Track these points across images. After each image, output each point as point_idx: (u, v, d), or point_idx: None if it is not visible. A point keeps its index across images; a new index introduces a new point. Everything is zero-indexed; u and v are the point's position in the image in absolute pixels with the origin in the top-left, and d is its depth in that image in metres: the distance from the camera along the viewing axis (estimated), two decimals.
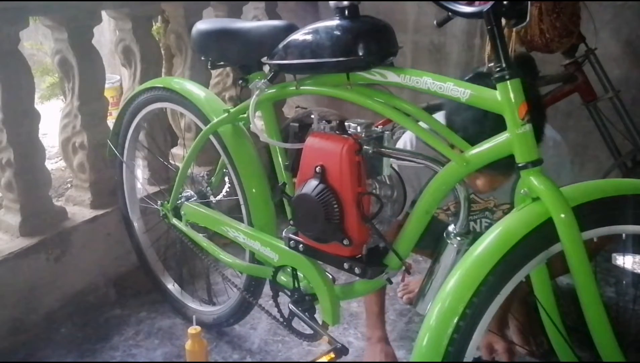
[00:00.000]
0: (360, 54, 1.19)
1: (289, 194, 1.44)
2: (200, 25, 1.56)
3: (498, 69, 1.03)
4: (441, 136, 1.21)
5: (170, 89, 1.75)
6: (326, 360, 1.37)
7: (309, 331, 1.48)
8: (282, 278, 1.52)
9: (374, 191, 1.29)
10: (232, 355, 1.79)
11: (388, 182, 1.31)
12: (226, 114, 1.59)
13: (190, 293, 1.98)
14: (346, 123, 1.28)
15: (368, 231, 1.27)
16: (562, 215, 0.96)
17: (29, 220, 1.90)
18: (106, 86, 2.17)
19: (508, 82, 1.02)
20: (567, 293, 1.70)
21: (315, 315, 1.48)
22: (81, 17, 1.97)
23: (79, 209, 2.10)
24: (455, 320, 0.93)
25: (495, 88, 1.05)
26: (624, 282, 2.11)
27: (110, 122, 2.10)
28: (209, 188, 1.80)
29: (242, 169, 1.61)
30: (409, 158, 1.27)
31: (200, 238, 1.74)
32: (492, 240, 0.99)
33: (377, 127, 1.30)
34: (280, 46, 1.32)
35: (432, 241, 1.29)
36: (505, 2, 0.99)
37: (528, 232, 0.98)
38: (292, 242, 1.40)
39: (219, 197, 1.79)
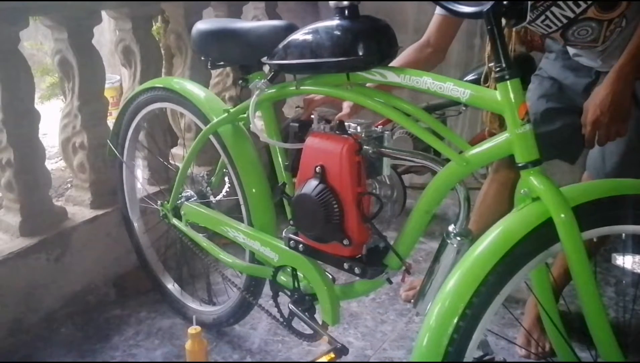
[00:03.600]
0: (360, 54, 1.18)
1: (289, 194, 1.44)
2: (200, 25, 1.56)
3: (498, 69, 1.03)
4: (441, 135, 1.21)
5: (170, 89, 1.75)
6: (326, 360, 1.37)
7: (309, 331, 1.48)
8: (282, 278, 1.52)
9: (374, 191, 1.29)
10: (232, 355, 1.79)
11: (388, 182, 1.31)
12: (226, 114, 1.59)
13: (190, 293, 1.98)
14: (346, 123, 1.28)
15: (368, 231, 1.27)
16: (562, 215, 0.96)
17: (29, 220, 1.90)
18: (106, 86, 2.16)
19: (508, 82, 1.02)
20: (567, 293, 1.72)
21: (315, 315, 1.48)
22: (81, 17, 1.97)
23: (79, 209, 2.10)
24: (455, 320, 0.93)
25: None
26: (624, 282, 2.11)
27: (110, 122, 2.10)
28: (209, 188, 1.80)
29: (242, 169, 1.61)
30: (409, 157, 1.27)
31: (200, 238, 1.74)
32: (492, 240, 0.99)
33: (377, 127, 1.30)
34: (280, 46, 1.32)
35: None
36: (505, 2, 0.99)
37: (528, 232, 0.97)
38: (292, 242, 1.40)
39: (219, 197, 1.79)
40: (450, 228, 1.21)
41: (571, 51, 1.62)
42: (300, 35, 1.28)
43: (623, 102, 1.39)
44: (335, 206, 1.24)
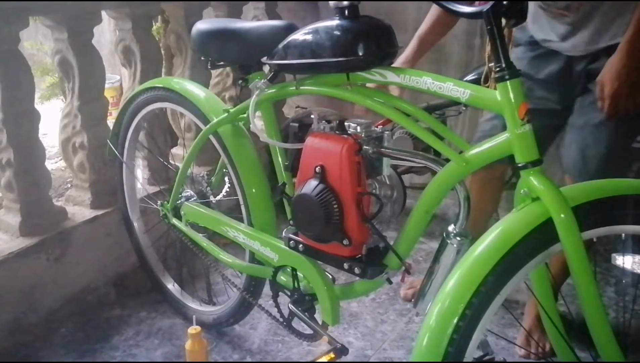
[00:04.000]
0: (360, 54, 1.19)
1: (289, 194, 1.44)
2: (200, 25, 1.56)
3: (498, 69, 1.03)
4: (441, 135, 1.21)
5: (170, 89, 1.75)
6: (326, 360, 1.37)
7: (309, 331, 1.48)
8: (282, 278, 1.52)
9: (374, 191, 1.29)
10: (232, 355, 1.79)
11: (388, 182, 1.31)
12: (226, 114, 1.59)
13: (190, 293, 1.98)
14: (346, 123, 1.28)
15: (368, 231, 1.27)
16: (562, 215, 0.95)
17: (29, 220, 1.90)
18: (106, 86, 2.17)
19: (508, 82, 1.02)
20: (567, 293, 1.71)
21: (315, 315, 1.48)
22: (81, 17, 1.97)
23: (79, 209, 2.10)
24: (455, 320, 0.93)
25: None
26: (623, 282, 2.11)
27: (110, 122, 2.10)
28: (209, 188, 1.80)
29: (242, 169, 1.61)
30: (409, 158, 1.27)
31: (200, 238, 1.74)
32: (492, 240, 0.98)
33: (377, 127, 1.30)
34: (280, 46, 1.32)
35: None
36: (505, 2, 0.99)
37: (528, 232, 0.97)
38: (292, 242, 1.40)
39: (219, 197, 1.79)
40: (450, 228, 1.21)
41: (539, 35, 1.60)
42: (300, 35, 1.28)
43: (638, 72, 1.39)
44: (335, 206, 1.24)
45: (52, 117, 3.03)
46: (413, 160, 1.26)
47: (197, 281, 2.08)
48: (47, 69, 3.71)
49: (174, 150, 2.56)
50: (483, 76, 1.73)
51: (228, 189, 1.78)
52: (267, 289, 1.62)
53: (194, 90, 1.72)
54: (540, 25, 1.58)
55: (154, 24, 2.86)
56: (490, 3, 1.00)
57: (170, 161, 2.39)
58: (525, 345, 1.76)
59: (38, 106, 1.96)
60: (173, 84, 1.77)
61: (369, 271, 1.28)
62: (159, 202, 1.88)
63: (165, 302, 2.02)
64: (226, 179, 1.77)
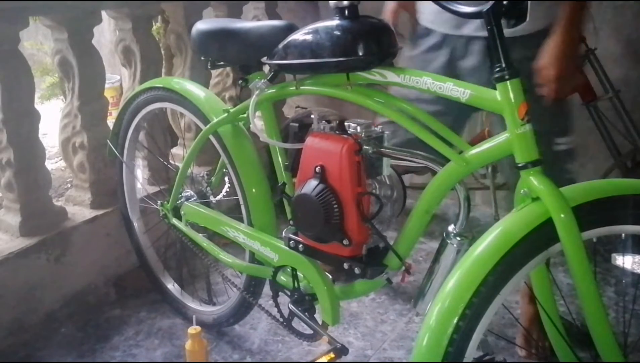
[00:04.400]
0: (360, 54, 1.19)
1: (289, 194, 1.44)
2: (200, 25, 1.56)
3: (498, 69, 1.03)
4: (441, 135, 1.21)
5: (170, 89, 1.75)
6: (326, 360, 1.37)
7: (309, 331, 1.48)
8: (282, 278, 1.52)
9: (373, 191, 1.29)
10: (232, 355, 1.79)
11: (388, 182, 1.31)
12: (226, 114, 1.59)
13: (190, 293, 1.98)
14: (346, 123, 1.28)
15: (368, 231, 1.27)
16: (562, 215, 0.96)
17: (29, 220, 1.90)
18: (106, 86, 2.17)
19: (508, 82, 1.02)
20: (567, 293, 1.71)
21: (315, 315, 1.48)
22: (81, 17, 1.97)
23: (79, 209, 2.10)
24: (455, 320, 0.93)
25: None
26: (623, 282, 2.11)
27: (110, 122, 2.10)
28: (209, 188, 1.80)
29: (242, 169, 1.61)
30: (409, 158, 1.27)
31: (200, 238, 1.74)
32: (492, 240, 0.99)
33: (377, 127, 1.30)
34: (280, 46, 1.32)
35: None
36: (505, 2, 0.99)
37: (528, 232, 0.97)
38: (292, 242, 1.40)
39: (219, 197, 1.79)
40: (450, 228, 1.21)
41: (429, 18, 1.54)
42: (300, 35, 1.28)
43: (576, 50, 1.39)
44: (335, 206, 1.24)
45: (52, 117, 3.03)
46: (413, 160, 1.27)
47: (197, 281, 2.08)
48: (47, 69, 3.71)
49: (174, 150, 2.56)
50: None
51: (228, 189, 1.78)
52: (267, 289, 1.62)
53: (194, 90, 1.72)
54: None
55: (154, 24, 2.87)
56: (490, 3, 1.00)
57: (170, 161, 2.39)
58: (523, 345, 1.76)
59: (38, 106, 1.96)
60: (173, 84, 1.77)
61: (369, 271, 1.28)
62: (159, 202, 1.88)
63: (165, 302, 2.02)
64: (226, 179, 1.77)
